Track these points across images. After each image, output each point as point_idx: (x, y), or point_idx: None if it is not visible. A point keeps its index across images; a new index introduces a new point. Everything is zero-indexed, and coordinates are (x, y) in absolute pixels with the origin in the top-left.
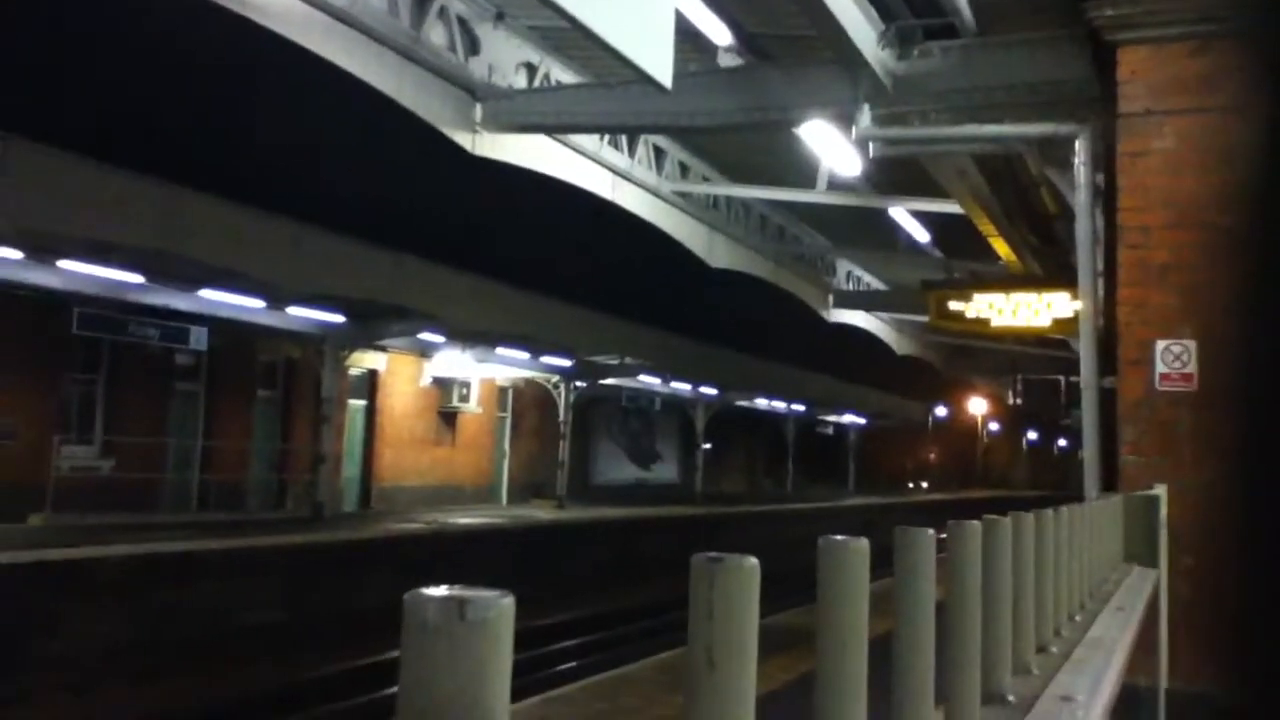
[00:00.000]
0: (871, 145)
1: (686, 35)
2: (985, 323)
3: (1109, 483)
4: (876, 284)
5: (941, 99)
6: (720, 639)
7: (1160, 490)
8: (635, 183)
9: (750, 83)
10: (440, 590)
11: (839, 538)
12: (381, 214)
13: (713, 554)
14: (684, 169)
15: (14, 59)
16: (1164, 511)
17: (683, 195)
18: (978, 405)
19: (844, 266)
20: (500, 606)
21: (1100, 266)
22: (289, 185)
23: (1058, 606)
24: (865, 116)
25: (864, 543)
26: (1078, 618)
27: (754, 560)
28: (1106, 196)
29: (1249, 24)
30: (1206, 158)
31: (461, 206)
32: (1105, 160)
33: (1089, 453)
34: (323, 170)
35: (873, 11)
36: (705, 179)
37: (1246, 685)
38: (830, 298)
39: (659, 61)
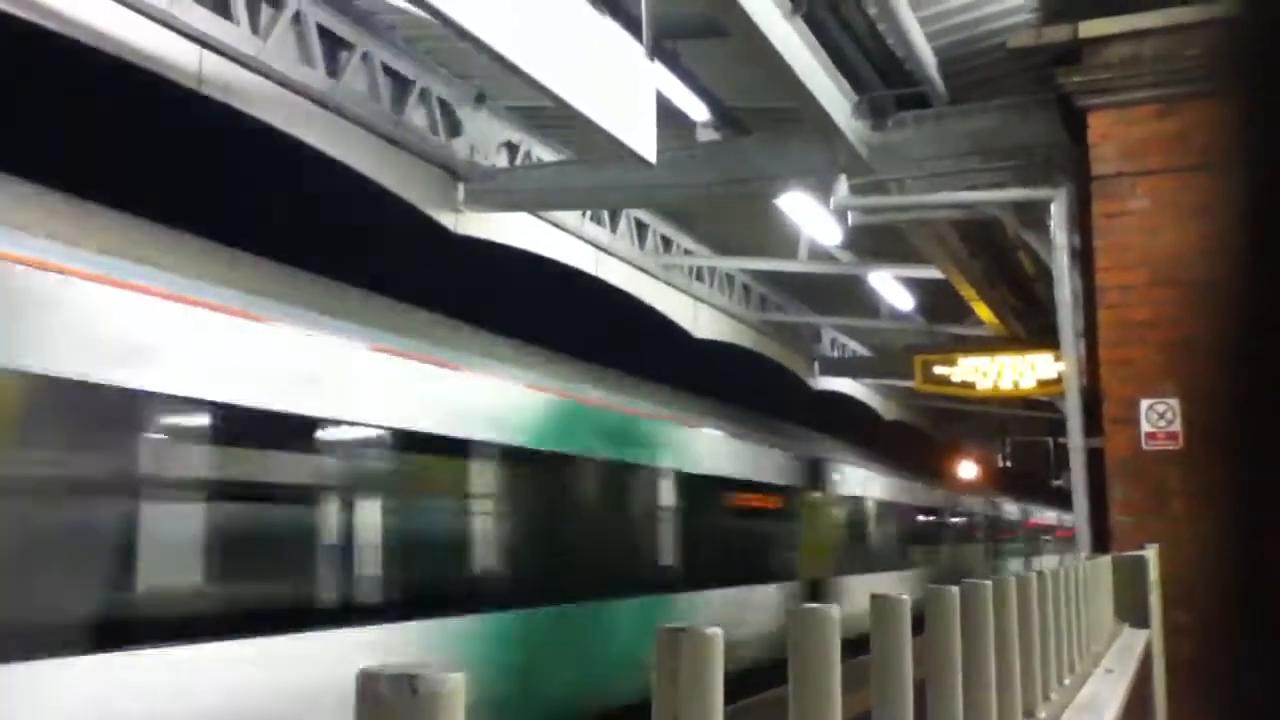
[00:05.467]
0: (850, 214)
1: (665, 112)
2: (970, 386)
3: (1101, 543)
4: (861, 350)
5: (917, 167)
6: (685, 709)
7: (1150, 550)
8: (618, 257)
9: (729, 156)
10: (392, 667)
11: (809, 605)
12: (368, 286)
13: (677, 625)
14: (666, 242)
15: None
16: (1154, 571)
17: (665, 268)
18: (966, 469)
19: (828, 334)
20: (452, 681)
21: (1082, 326)
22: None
23: (1046, 670)
24: (842, 186)
25: (834, 610)
26: (1067, 680)
27: (718, 630)
28: (1084, 257)
29: (1216, 86)
30: (1182, 216)
31: (445, 280)
32: (1081, 221)
33: (1079, 513)
34: (309, 244)
35: (846, 84)
36: (687, 251)
37: None
38: (816, 365)
39: (643, 138)
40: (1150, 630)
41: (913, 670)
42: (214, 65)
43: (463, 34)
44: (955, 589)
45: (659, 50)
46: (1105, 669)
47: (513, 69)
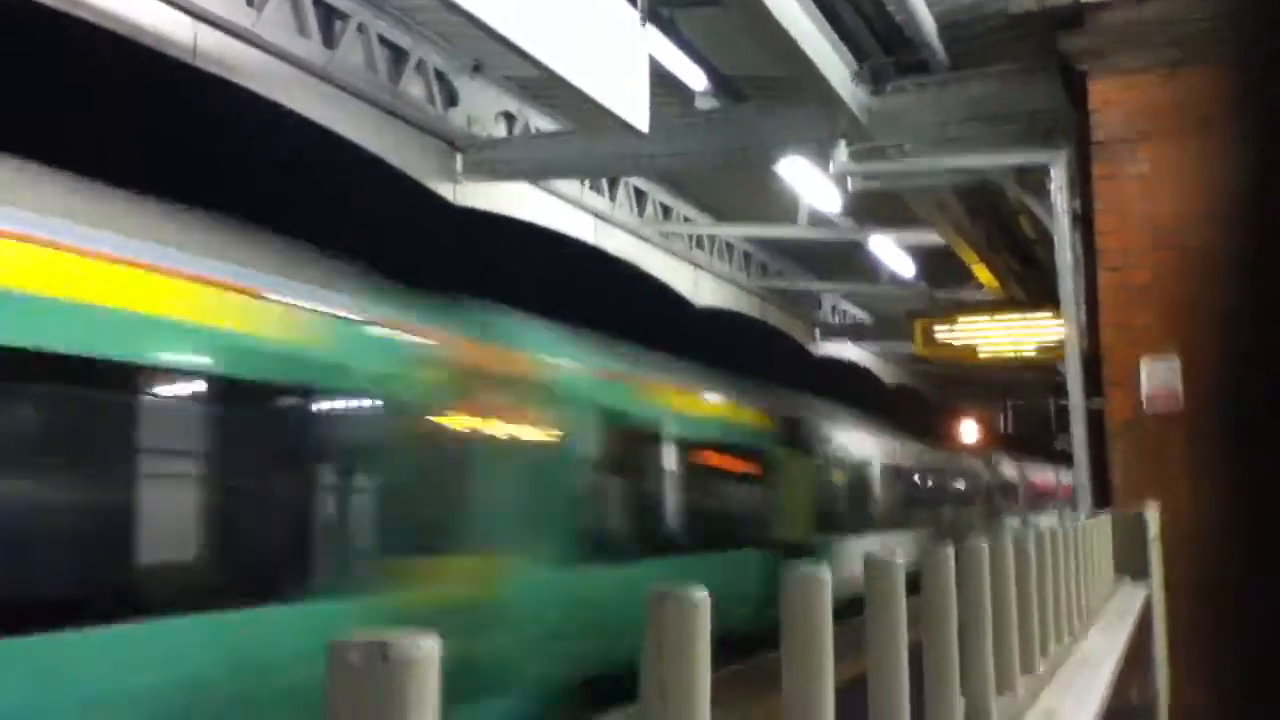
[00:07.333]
0: (849, 180)
1: (664, 81)
2: (972, 350)
3: (1103, 503)
4: (862, 316)
5: (917, 133)
6: (672, 672)
7: (1150, 507)
8: (617, 225)
9: (728, 124)
10: (365, 634)
11: (802, 567)
12: (362, 261)
13: (664, 587)
14: (666, 210)
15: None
16: (1154, 528)
17: (665, 236)
18: (969, 433)
19: (829, 300)
20: (424, 648)
21: (1083, 289)
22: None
23: (1044, 626)
24: (842, 152)
25: (826, 572)
26: (1066, 637)
27: (704, 593)
28: (1085, 221)
29: (1217, 51)
30: (1183, 179)
31: (444, 250)
32: (1082, 186)
33: (1080, 475)
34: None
35: (846, 50)
36: (687, 219)
37: (1246, 699)
38: (816, 331)
39: (634, 106)
40: (1149, 586)
41: (909, 631)
42: (209, 38)
43: (447, 3)
44: (950, 549)
45: (655, 18)
46: (1104, 624)
47: (498, 37)
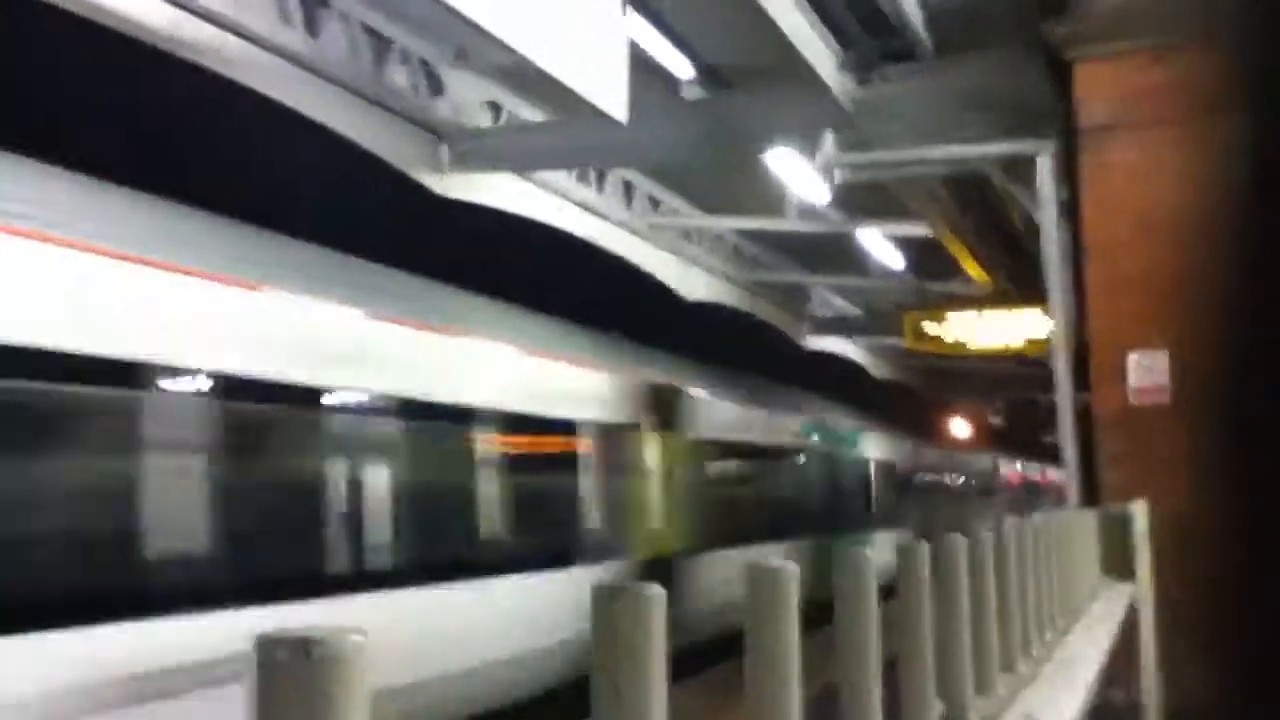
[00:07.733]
0: (837, 171)
1: (650, 70)
2: (961, 344)
3: (1091, 497)
4: (852, 310)
5: (904, 122)
6: (625, 670)
7: (1138, 504)
8: (605, 217)
9: (714, 114)
10: (290, 630)
11: (768, 564)
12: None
13: (614, 584)
14: (654, 202)
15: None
16: (1142, 524)
17: (654, 228)
18: (958, 427)
19: (819, 294)
20: (350, 644)
21: (1071, 281)
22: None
23: (1026, 624)
24: (829, 143)
25: (794, 568)
26: (1049, 635)
27: (659, 589)
28: (1072, 211)
29: (1203, 36)
30: (1168, 169)
31: (429, 242)
32: (1069, 175)
33: (1069, 468)
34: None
35: (831, 39)
36: (675, 211)
37: (1234, 694)
38: (805, 325)
39: (613, 96)
40: (1137, 584)
41: (885, 632)
42: (187, 25)
43: None
44: (926, 545)
45: (640, 4)
46: (1089, 622)
47: (468, 21)
